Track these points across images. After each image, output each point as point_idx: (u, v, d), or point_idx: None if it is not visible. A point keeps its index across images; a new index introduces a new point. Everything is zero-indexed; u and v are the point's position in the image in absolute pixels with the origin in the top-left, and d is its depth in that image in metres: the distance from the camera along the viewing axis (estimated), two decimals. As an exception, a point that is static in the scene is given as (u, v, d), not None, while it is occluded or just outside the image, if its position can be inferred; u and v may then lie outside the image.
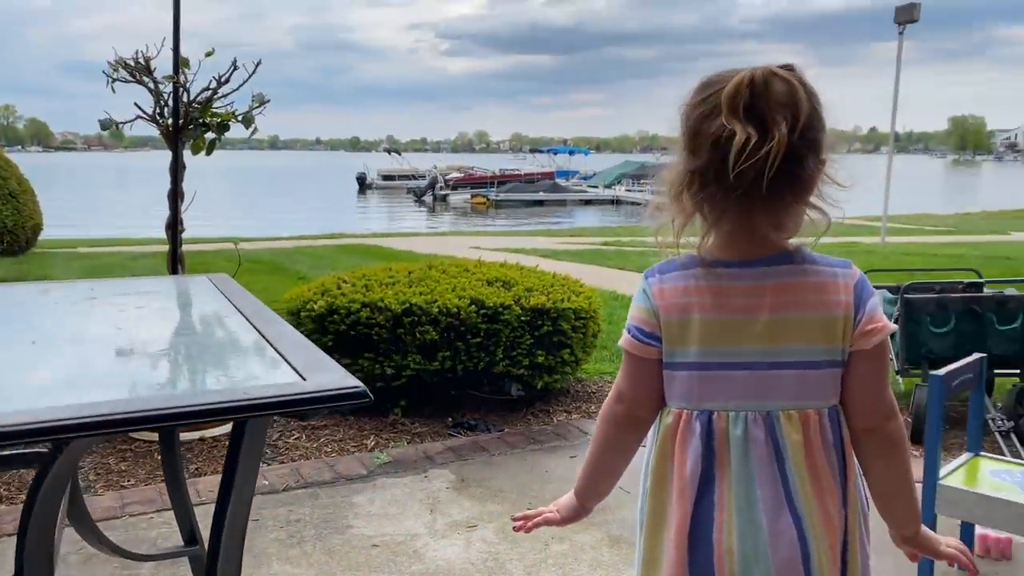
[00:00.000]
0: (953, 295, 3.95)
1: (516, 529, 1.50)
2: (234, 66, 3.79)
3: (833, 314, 1.23)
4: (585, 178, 44.58)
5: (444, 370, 3.97)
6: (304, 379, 1.24)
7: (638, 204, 36.06)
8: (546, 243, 14.94)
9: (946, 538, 1.39)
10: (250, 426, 1.33)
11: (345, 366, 3.92)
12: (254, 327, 1.66)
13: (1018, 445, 3.49)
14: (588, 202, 38.23)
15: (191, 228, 4.06)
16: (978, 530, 2.57)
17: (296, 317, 4.15)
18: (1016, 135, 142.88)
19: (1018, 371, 3.87)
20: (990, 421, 3.63)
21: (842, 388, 1.26)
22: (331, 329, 4.00)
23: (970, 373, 2.37)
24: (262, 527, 2.89)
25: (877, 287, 4.57)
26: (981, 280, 4.16)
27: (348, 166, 69.68)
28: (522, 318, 4.02)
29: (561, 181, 42.58)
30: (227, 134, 3.99)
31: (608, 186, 39.95)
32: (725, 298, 1.25)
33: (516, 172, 44.11)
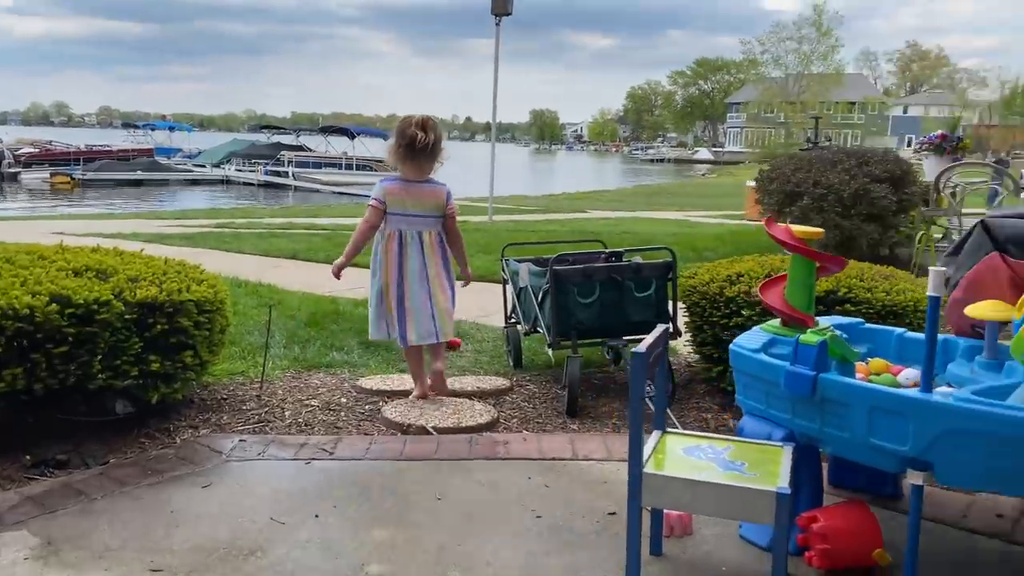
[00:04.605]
0: (598, 265, 3.97)
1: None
2: None
3: (440, 201, 3.71)
4: (190, 156, 41.09)
5: (15, 391, 2.97)
6: None
7: (252, 185, 34.23)
8: (150, 227, 13.20)
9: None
10: None
11: None
12: None
13: (672, 417, 3.58)
14: (195, 182, 35.30)
15: None
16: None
17: None
18: (581, 128, 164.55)
19: (654, 337, 4.01)
20: (639, 389, 3.69)
21: (443, 226, 3.76)
22: None
23: (660, 346, 2.22)
24: None
25: (520, 260, 4.50)
26: (621, 250, 4.27)
27: None
28: (127, 316, 3.17)
29: (162, 159, 38.65)
30: None
31: (217, 165, 37.26)
32: (408, 192, 3.67)
33: (107, 148, 38.93)
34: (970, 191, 8.77)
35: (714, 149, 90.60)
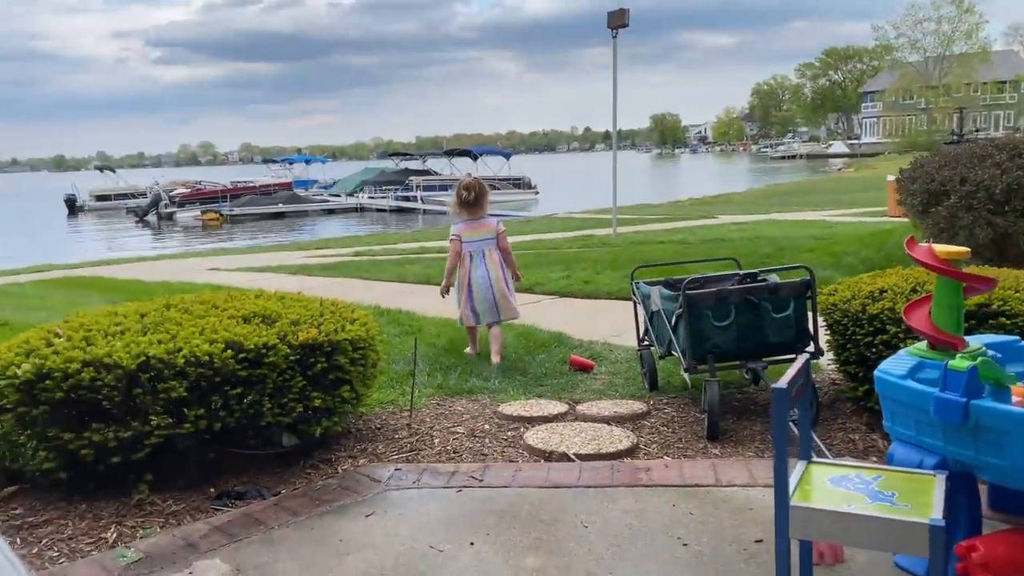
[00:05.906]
0: (732, 287, 3.97)
1: None
2: None
3: (493, 228, 5.61)
4: (325, 187, 43.30)
5: (198, 431, 3.30)
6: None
7: (384, 211, 35.63)
8: (293, 258, 14.04)
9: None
10: None
11: (68, 441, 3.14)
12: None
13: (816, 439, 3.53)
14: (331, 211, 37.16)
15: None
16: (810, 536, 2.46)
17: (-8, 387, 3.24)
18: (705, 129, 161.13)
19: (793, 356, 3.96)
20: (781, 411, 3.66)
21: (497, 245, 5.58)
22: (43, 398, 3.16)
23: (803, 377, 2.23)
24: None
25: (650, 283, 4.54)
26: (756, 271, 4.25)
27: (53, 187, 62.22)
28: (291, 358, 3.45)
29: (300, 191, 41.01)
30: None
31: (351, 194, 39.08)
32: (472, 227, 5.58)
33: (250, 184, 41.78)
34: None
35: (849, 142, 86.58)
